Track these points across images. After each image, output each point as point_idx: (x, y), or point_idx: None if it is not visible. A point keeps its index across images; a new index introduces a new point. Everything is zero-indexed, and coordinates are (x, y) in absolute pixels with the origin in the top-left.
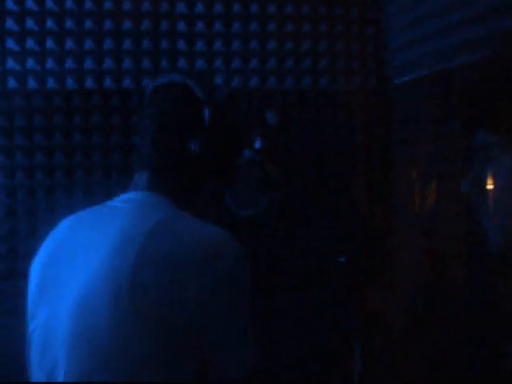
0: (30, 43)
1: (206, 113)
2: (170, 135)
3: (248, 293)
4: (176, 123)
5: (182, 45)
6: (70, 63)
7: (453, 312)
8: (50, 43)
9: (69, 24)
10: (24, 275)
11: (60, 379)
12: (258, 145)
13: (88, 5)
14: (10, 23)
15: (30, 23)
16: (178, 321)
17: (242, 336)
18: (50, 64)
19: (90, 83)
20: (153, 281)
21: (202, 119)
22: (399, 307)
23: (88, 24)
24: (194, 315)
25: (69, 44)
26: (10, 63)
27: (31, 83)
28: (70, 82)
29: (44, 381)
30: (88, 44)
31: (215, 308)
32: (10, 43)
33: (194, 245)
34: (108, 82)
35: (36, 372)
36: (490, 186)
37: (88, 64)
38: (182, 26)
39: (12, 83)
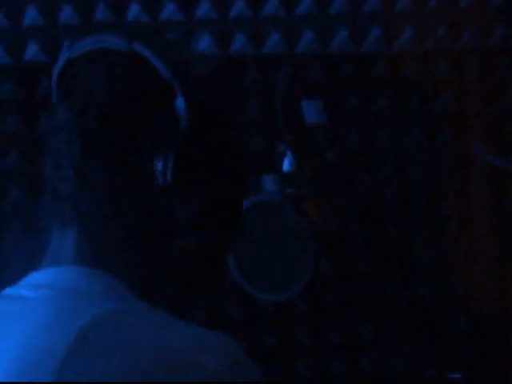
0: None
1: (180, 107)
2: (113, 155)
3: None
4: (122, 130)
5: None
6: None
7: None
8: None
9: None
10: None
11: None
12: (286, 166)
13: None
14: None
15: None
16: None
17: None
18: None
19: None
20: None
21: (169, 120)
22: None
23: None
24: None
25: None
26: None
27: None
28: None
29: None
30: None
31: None
32: None
33: (153, 366)
34: None
35: None
36: None
37: None
38: None
39: None
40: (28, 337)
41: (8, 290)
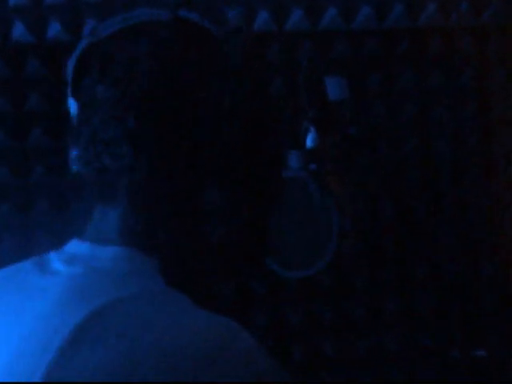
0: None
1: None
2: (165, 124)
3: None
4: (168, 101)
5: None
6: None
7: None
8: None
9: None
10: None
11: None
12: (310, 142)
13: None
14: None
15: None
16: None
17: None
18: None
19: None
20: None
21: (216, 90)
22: None
23: None
24: None
25: None
26: None
27: None
28: None
29: None
30: None
31: None
32: None
33: (154, 359)
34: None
35: None
36: None
37: None
38: None
39: None
40: (35, 317)
41: (47, 257)
